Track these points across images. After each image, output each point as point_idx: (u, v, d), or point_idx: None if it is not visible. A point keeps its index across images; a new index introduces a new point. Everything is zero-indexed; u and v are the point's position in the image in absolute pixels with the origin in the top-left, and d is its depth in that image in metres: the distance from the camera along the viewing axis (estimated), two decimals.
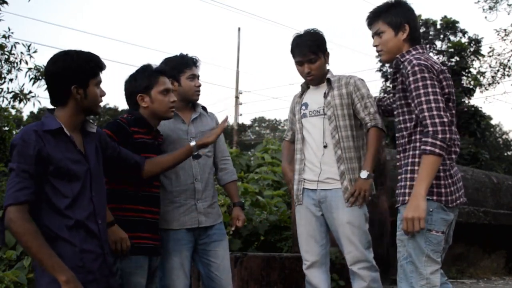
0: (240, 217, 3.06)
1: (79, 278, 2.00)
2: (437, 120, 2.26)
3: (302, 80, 3.20)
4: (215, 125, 3.08)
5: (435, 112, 2.28)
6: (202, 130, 2.98)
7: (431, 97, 2.30)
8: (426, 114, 2.29)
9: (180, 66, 2.95)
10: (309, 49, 3.01)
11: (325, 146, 3.03)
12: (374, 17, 2.62)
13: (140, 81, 2.68)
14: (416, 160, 2.37)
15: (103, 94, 2.23)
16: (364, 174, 2.94)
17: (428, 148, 2.26)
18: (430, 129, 2.27)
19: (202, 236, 2.90)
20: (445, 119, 2.27)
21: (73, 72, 2.11)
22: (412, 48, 2.52)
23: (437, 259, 2.33)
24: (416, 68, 2.35)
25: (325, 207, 3.03)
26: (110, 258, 2.22)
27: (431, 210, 2.31)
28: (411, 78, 2.36)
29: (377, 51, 2.63)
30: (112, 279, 2.22)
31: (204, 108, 3.09)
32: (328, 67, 3.14)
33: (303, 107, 3.15)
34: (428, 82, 2.32)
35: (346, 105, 3.02)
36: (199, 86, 3.00)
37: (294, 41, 3.09)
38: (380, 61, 17.29)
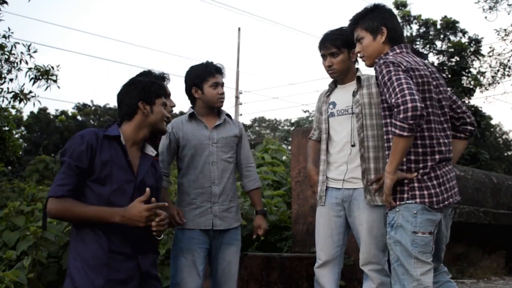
0: (261, 226, 3.15)
1: (104, 275, 2.16)
2: (399, 100, 2.25)
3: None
4: (239, 132, 3.14)
5: (397, 89, 2.28)
6: (225, 136, 3.05)
7: (394, 81, 2.31)
8: (393, 97, 2.29)
9: (203, 74, 3.04)
10: (332, 42, 3.02)
11: (353, 145, 3.00)
12: (353, 24, 2.67)
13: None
14: None
15: (167, 115, 2.51)
16: None
17: (392, 129, 2.32)
18: (395, 110, 2.28)
19: (217, 237, 2.97)
20: (408, 97, 2.23)
21: (140, 90, 2.42)
22: (390, 49, 2.55)
23: (426, 260, 2.34)
24: (382, 66, 2.39)
25: (348, 206, 3.02)
26: (146, 262, 2.31)
27: (415, 212, 2.34)
28: (380, 77, 2.41)
29: (360, 57, 2.68)
30: (148, 282, 2.30)
31: (228, 116, 3.15)
32: (357, 65, 3.13)
33: (331, 106, 3.13)
34: (392, 72, 2.34)
35: (374, 104, 2.99)
36: (223, 93, 3.07)
37: (322, 36, 3.09)
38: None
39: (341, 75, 3.09)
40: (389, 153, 2.43)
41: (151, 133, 2.47)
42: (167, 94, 2.60)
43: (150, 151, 2.48)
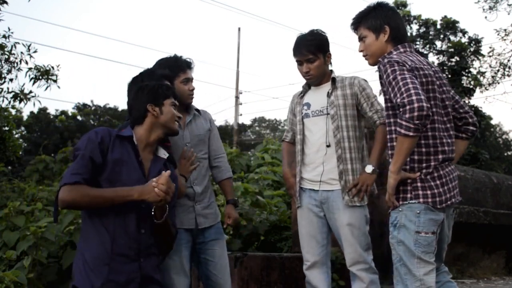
0: (231, 215, 3.05)
1: (104, 276, 2.16)
2: (405, 100, 2.23)
3: (303, 80, 3.20)
4: (209, 125, 3.06)
5: (403, 89, 2.26)
6: (197, 133, 2.97)
7: (400, 81, 2.29)
8: (398, 97, 2.27)
9: (175, 69, 2.92)
10: (307, 48, 3.02)
11: (328, 146, 3.02)
12: (356, 23, 2.66)
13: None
14: None
15: (178, 115, 2.52)
16: (369, 168, 2.93)
17: (397, 129, 2.29)
18: (401, 109, 2.26)
19: (200, 236, 2.90)
20: (414, 97, 2.21)
21: (147, 93, 2.47)
22: (393, 48, 2.53)
23: (429, 260, 2.34)
24: (387, 66, 2.38)
25: (327, 208, 3.03)
26: (149, 265, 2.31)
27: (418, 212, 2.34)
28: (384, 76, 2.39)
29: (363, 56, 2.66)
30: (150, 286, 2.29)
31: (197, 110, 3.06)
32: (330, 67, 3.14)
33: (305, 107, 3.14)
34: (397, 72, 2.33)
35: (349, 105, 3.01)
36: (193, 89, 2.97)
37: (296, 41, 3.10)
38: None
39: (318, 79, 3.11)
40: (392, 153, 2.43)
41: (165, 135, 2.49)
42: (175, 95, 2.57)
43: (163, 153, 2.50)
